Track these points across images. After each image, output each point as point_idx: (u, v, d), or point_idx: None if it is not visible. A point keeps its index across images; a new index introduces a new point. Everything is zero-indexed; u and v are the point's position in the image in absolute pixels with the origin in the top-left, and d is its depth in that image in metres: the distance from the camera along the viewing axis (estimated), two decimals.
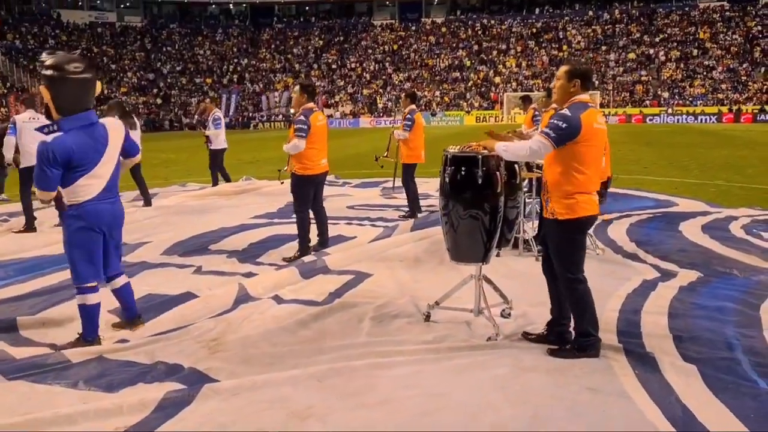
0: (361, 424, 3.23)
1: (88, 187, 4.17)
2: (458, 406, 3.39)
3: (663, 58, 55.89)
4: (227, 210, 9.86)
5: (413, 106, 9.31)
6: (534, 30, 63.21)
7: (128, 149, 4.49)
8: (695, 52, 55.46)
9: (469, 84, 58.66)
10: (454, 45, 64.38)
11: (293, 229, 7.98)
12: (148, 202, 10.31)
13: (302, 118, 6.43)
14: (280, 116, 57.50)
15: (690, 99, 50.93)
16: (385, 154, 10.36)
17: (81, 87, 4.11)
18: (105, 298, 4.60)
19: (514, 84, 56.84)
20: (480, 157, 4.08)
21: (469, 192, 4.12)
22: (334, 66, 64.76)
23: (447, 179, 4.16)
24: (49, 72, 4.05)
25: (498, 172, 4.15)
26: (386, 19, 70.63)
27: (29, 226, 8.44)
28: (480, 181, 4.08)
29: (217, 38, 70.16)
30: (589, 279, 4.03)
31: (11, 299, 5.42)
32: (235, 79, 63.67)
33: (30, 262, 6.65)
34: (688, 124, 43.98)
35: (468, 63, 61.27)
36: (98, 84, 4.33)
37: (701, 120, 46.01)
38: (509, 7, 67.99)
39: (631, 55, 57.18)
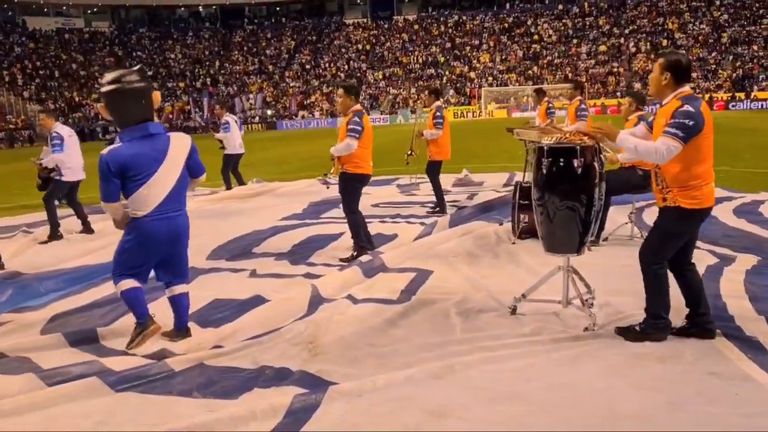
0: (504, 419, 3.21)
1: (148, 197, 4.18)
2: (590, 396, 3.40)
3: (633, 50, 56.67)
4: (251, 213, 9.76)
5: (439, 102, 9.31)
6: (506, 25, 63.66)
7: (193, 168, 4.48)
8: (665, 42, 56.32)
9: (444, 80, 58.82)
10: (428, 42, 64.54)
11: (329, 229, 8.00)
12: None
13: (356, 119, 6.38)
14: (257, 118, 57.05)
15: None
16: (410, 152, 10.31)
17: (134, 98, 4.16)
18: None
19: (489, 78, 57.19)
20: (578, 148, 4.10)
21: (566, 183, 4.13)
22: (308, 66, 64.46)
23: (544, 170, 4.16)
24: (105, 88, 4.15)
25: (594, 163, 4.17)
26: (358, 17, 70.55)
27: (54, 235, 8.26)
28: (579, 172, 4.09)
29: (187, 41, 69.42)
30: None
31: (76, 310, 5.32)
32: (209, 82, 62.99)
33: (79, 272, 6.50)
34: None
35: (442, 59, 61.46)
36: (156, 94, 4.31)
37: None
38: (480, 2, 68.33)
39: (602, 48, 57.88)
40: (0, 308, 5.44)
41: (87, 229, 8.72)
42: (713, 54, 53.59)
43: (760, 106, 44.10)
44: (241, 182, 12.06)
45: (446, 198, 9.80)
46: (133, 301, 4.41)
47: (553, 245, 4.35)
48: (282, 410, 3.37)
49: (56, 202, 11.09)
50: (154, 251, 4.30)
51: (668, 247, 4.02)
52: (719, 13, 57.06)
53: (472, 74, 58.54)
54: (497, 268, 6.05)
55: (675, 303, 4.15)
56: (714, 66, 52.22)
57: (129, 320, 4.95)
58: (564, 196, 4.15)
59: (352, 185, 6.58)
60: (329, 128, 49.50)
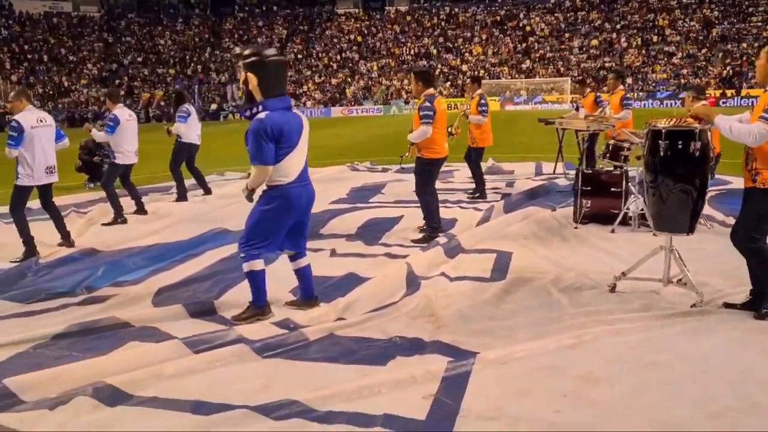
0: (654, 385, 3.40)
1: (292, 166, 4.33)
2: (727, 365, 3.60)
3: (625, 45, 57.20)
4: None
5: (481, 90, 9.50)
6: (498, 18, 63.86)
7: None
8: (655, 38, 56.92)
9: (437, 72, 58.94)
10: (419, 33, 64.56)
11: (385, 213, 8.19)
12: (208, 191, 10.25)
13: (428, 104, 6.53)
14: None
15: (653, 84, 52.32)
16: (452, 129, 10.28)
17: (279, 71, 4.35)
18: (280, 278, 4.74)
19: (481, 71, 57.33)
20: (697, 131, 4.29)
21: (682, 166, 4.32)
22: (300, 56, 64.20)
23: (661, 153, 4.35)
24: (251, 59, 4.26)
25: (710, 146, 4.37)
26: (349, 7, 70.27)
27: (119, 216, 8.31)
28: (697, 155, 4.28)
29: (177, 28, 68.76)
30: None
31: (177, 285, 5.45)
32: (200, 70, 62.54)
33: (156, 250, 6.61)
34: (657, 109, 45.21)
35: (434, 51, 61.56)
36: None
37: (667, 105, 47.34)
38: None
39: (594, 42, 58.32)
40: (100, 282, 5.54)
41: (140, 209, 8.79)
42: (702, 51, 54.26)
43: (750, 103, 44.80)
44: None
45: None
46: (259, 284, 4.52)
47: (664, 225, 4.54)
48: (438, 375, 3.54)
49: (90, 185, 11.23)
50: (293, 218, 4.42)
51: (763, 227, 4.25)
52: (709, 10, 57.71)
53: (465, 67, 58.69)
54: (572, 249, 6.25)
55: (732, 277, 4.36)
56: (704, 63, 52.88)
57: (234, 295, 5.11)
58: (679, 179, 4.34)
59: (428, 169, 6.74)
60: (323, 118, 49.48)
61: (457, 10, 66.52)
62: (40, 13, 64.82)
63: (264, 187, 4.41)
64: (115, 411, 3.30)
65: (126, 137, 8.35)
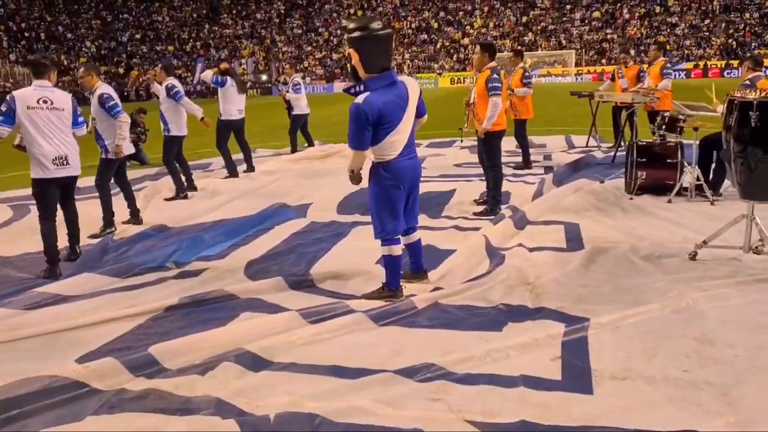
0: None
1: (394, 143, 4.34)
2: None
3: (627, 16, 56.93)
4: (342, 172, 9.98)
5: (522, 63, 9.60)
6: None
7: (419, 109, 4.60)
8: (657, 9, 56.65)
9: (438, 45, 58.69)
10: (420, 6, 64.12)
11: (437, 187, 8.34)
12: (251, 168, 10.35)
13: (495, 76, 6.63)
14: (249, 83, 56.43)
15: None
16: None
17: (384, 45, 4.26)
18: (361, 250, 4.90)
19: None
20: None
21: None
22: (299, 31, 63.77)
23: (752, 124, 4.48)
24: (356, 33, 4.21)
25: None
26: None
27: (180, 191, 8.44)
28: None
29: (175, 4, 68.12)
30: None
31: (263, 258, 5.62)
32: (199, 47, 62.09)
33: (227, 225, 6.75)
34: None
35: (435, 25, 61.20)
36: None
37: (674, 75, 47.22)
38: None
39: (596, 14, 58.04)
40: (185, 257, 5.68)
41: (191, 186, 8.90)
42: (705, 21, 54.07)
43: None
44: (311, 143, 12.27)
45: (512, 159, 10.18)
46: (395, 268, 4.58)
47: (751, 193, 4.69)
48: (558, 339, 3.71)
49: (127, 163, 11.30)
50: (404, 191, 4.47)
51: None
52: None
53: (466, 40, 58.42)
54: (637, 220, 6.40)
55: None
56: (707, 33, 52.74)
57: (321, 267, 5.27)
58: None
59: (494, 142, 6.85)
60: (325, 94, 49.38)
61: None
62: None
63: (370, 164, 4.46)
64: (260, 376, 3.46)
65: (180, 110, 8.48)
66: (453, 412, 3.02)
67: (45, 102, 5.36)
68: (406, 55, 57.90)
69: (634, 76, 10.91)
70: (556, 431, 2.84)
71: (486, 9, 61.58)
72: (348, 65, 4.40)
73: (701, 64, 48.23)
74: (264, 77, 57.41)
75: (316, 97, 43.67)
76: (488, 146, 6.88)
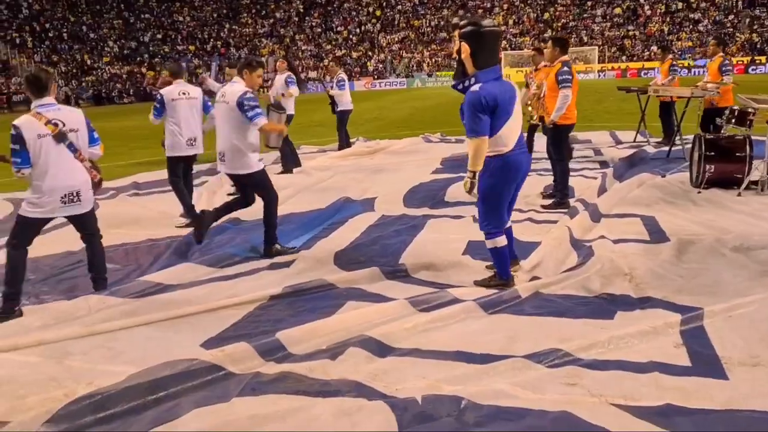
0: None
1: (509, 135, 4.38)
2: None
3: (649, 12, 56.54)
4: (394, 167, 10.11)
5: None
6: None
7: None
8: (680, 5, 56.20)
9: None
10: (438, 4, 64.00)
11: None
12: (298, 163, 10.45)
13: (566, 68, 6.68)
14: (269, 81, 56.68)
15: (679, 52, 51.79)
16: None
17: (494, 41, 4.38)
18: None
19: (503, 43, 56.93)
20: None
21: None
22: (318, 30, 63.91)
23: None
24: (468, 29, 4.29)
25: None
26: None
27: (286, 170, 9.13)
28: None
29: (195, 3, 68.44)
30: None
31: (348, 249, 5.69)
32: (219, 46, 62.43)
33: (299, 219, 6.85)
34: (685, 77, 44.83)
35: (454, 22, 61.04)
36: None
37: (694, 72, 46.90)
38: None
39: (618, 10, 57.67)
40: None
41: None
42: (729, 17, 53.58)
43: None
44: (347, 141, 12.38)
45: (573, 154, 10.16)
46: (503, 259, 4.64)
47: None
48: (676, 327, 3.76)
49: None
50: (514, 186, 4.55)
51: None
52: None
53: None
54: (713, 213, 6.41)
55: None
56: (731, 29, 52.26)
57: (408, 258, 5.34)
58: None
59: (562, 135, 6.90)
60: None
61: None
62: None
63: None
64: (387, 361, 3.54)
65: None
66: (594, 395, 3.08)
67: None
68: (426, 53, 57.81)
69: (666, 69, 10.97)
70: (703, 414, 2.89)
71: (506, 6, 61.37)
72: (455, 60, 4.44)
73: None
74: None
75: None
76: (556, 139, 6.93)
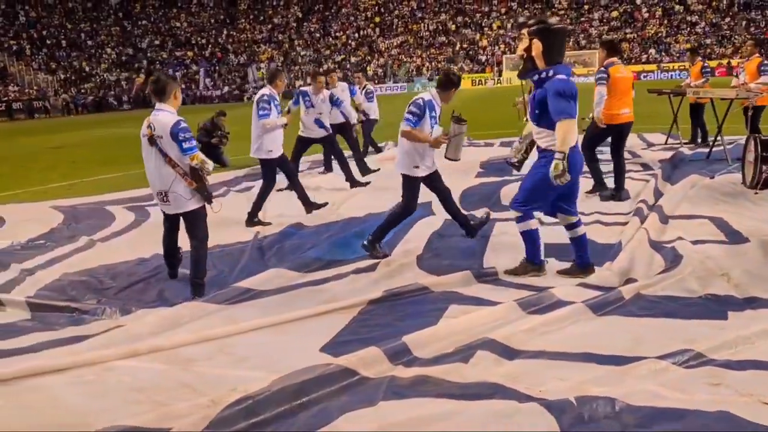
0: None
1: (576, 131, 4.50)
2: None
3: (646, 15, 56.89)
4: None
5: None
6: None
7: None
8: (677, 7, 56.57)
9: (457, 47, 58.76)
10: (437, 9, 64.19)
11: None
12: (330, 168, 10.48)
13: (603, 68, 7.22)
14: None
15: (677, 54, 52.12)
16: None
17: (563, 38, 4.57)
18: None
19: (502, 46, 57.18)
20: None
21: None
22: (317, 35, 63.96)
23: None
24: (538, 26, 4.47)
25: None
26: None
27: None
28: None
29: (192, 9, 68.41)
30: None
31: (428, 254, 5.69)
32: (217, 51, 62.40)
33: (362, 223, 6.85)
34: (684, 79, 45.03)
35: (452, 27, 61.28)
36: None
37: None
38: None
39: (614, 14, 58.00)
40: (346, 252, 5.77)
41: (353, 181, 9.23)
42: (726, 20, 53.96)
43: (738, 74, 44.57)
44: (377, 148, 12.39)
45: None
46: (536, 241, 4.84)
47: None
48: None
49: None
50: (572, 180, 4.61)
51: None
52: None
53: (484, 41, 58.48)
54: None
55: None
56: (728, 31, 52.63)
57: (493, 260, 5.35)
58: None
59: (594, 132, 7.34)
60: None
61: None
62: None
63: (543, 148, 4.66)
64: (518, 363, 3.55)
65: None
66: (743, 395, 3.09)
67: (149, 128, 4.72)
68: (425, 57, 57.94)
69: (698, 71, 11.07)
70: None
71: (503, 10, 61.60)
72: (523, 56, 4.56)
73: (725, 62, 48.07)
74: (286, 81, 57.36)
75: None
76: (591, 134, 7.37)
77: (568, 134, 4.40)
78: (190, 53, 62.42)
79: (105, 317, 4.57)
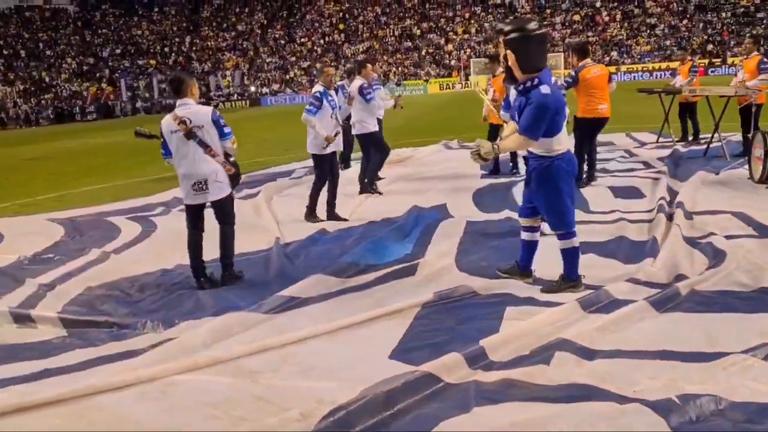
0: None
1: (564, 136, 4.40)
2: None
3: (607, 18, 57.94)
4: (437, 174, 10.07)
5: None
6: None
7: None
8: (636, 11, 57.76)
9: (423, 53, 59.02)
10: (401, 15, 64.40)
11: None
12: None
13: (574, 73, 7.90)
14: (235, 95, 56.17)
15: (638, 56, 53.22)
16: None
17: (540, 44, 4.27)
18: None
19: (468, 50, 57.60)
20: None
21: None
22: (282, 41, 63.59)
23: None
24: (512, 35, 4.21)
25: None
26: None
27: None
28: None
29: (154, 18, 67.47)
30: None
31: (464, 257, 5.60)
32: (181, 59, 61.58)
33: (387, 227, 6.75)
34: (646, 81, 46.00)
35: (417, 32, 61.54)
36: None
37: (656, 76, 48.18)
38: None
39: (576, 17, 58.96)
40: (379, 257, 5.67)
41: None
42: (684, 21, 55.28)
43: (735, 72, 45.78)
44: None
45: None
46: (575, 259, 4.61)
47: None
48: None
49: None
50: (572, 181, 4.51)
51: None
52: None
53: (450, 46, 58.86)
54: None
55: None
56: (686, 33, 53.92)
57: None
58: None
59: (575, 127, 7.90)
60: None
61: None
62: (11, 7, 62.97)
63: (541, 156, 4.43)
64: (598, 363, 3.48)
65: None
66: None
67: (183, 123, 4.90)
68: (392, 62, 58.04)
69: (686, 70, 11.24)
70: None
71: (467, 15, 62.12)
72: (503, 66, 4.39)
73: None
74: (253, 88, 57.03)
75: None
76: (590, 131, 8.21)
77: (517, 146, 4.56)
78: (152, 62, 61.48)
79: (147, 331, 4.36)
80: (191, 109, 4.95)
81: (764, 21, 52.26)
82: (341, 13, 65.52)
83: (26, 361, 4.01)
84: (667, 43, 53.50)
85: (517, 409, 3.05)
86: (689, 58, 12.00)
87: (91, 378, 3.58)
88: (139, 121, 40.78)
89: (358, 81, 8.39)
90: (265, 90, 57.35)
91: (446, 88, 52.17)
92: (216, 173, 5.01)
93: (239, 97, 55.40)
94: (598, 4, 59.21)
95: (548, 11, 60.26)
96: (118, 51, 62.34)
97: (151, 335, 4.29)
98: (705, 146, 10.11)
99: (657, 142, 11.80)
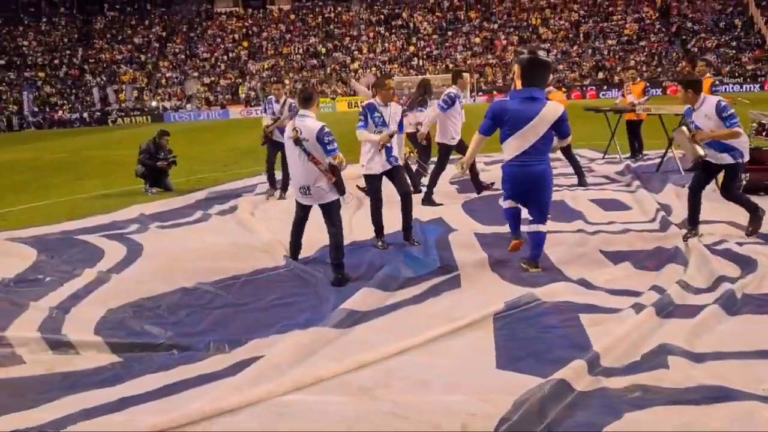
0: None
1: (512, 147, 5.24)
2: None
3: (505, 42, 60.48)
4: None
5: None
6: (382, 16, 65.07)
7: (560, 131, 5.30)
8: (531, 36, 60.67)
9: (329, 71, 59.19)
10: (306, 32, 64.36)
11: None
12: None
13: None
14: (135, 111, 54.01)
15: None
16: None
17: (540, 68, 5.22)
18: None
19: (373, 69, 58.24)
20: None
21: None
22: (182, 56, 61.83)
23: None
24: (524, 55, 5.26)
25: None
26: (229, 6, 68.52)
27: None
28: None
29: (42, 28, 63.79)
30: None
31: (496, 265, 5.62)
32: (73, 72, 58.53)
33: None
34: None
35: (323, 50, 61.69)
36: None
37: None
38: None
39: (476, 40, 61.15)
40: (418, 269, 5.59)
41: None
42: (574, 47, 58.62)
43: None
44: None
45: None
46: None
47: None
48: None
49: (152, 190, 10.63)
50: (516, 188, 5.39)
51: None
52: (574, 10, 62.38)
53: (355, 65, 59.36)
54: None
55: None
56: (577, 58, 57.18)
57: (565, 265, 5.39)
58: None
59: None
60: (221, 120, 48.24)
61: (340, 9, 66.90)
62: None
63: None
64: (711, 365, 3.58)
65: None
66: None
67: (294, 130, 5.39)
68: (297, 80, 57.79)
69: (641, 91, 11.83)
70: None
71: (371, 35, 62.94)
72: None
73: (579, 86, 52.20)
74: (154, 103, 54.93)
75: (218, 124, 42.52)
76: None
77: (474, 145, 5.53)
78: (42, 74, 58.03)
79: (212, 353, 4.06)
80: (305, 122, 5.38)
81: (645, 48, 56.36)
82: (244, 30, 64.61)
83: (93, 389, 3.63)
84: (561, 67, 56.47)
85: (664, 413, 3.08)
86: (640, 79, 12.62)
87: (195, 402, 3.28)
88: (33, 136, 38.25)
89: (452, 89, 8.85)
90: (166, 105, 55.47)
91: (354, 106, 52.43)
92: (316, 179, 5.38)
93: (139, 113, 53.21)
94: (496, 27, 61.74)
95: (449, 33, 62.13)
96: (2, 62, 58.39)
97: (222, 356, 3.99)
98: (658, 161, 10.68)
99: (603, 158, 12.33)
